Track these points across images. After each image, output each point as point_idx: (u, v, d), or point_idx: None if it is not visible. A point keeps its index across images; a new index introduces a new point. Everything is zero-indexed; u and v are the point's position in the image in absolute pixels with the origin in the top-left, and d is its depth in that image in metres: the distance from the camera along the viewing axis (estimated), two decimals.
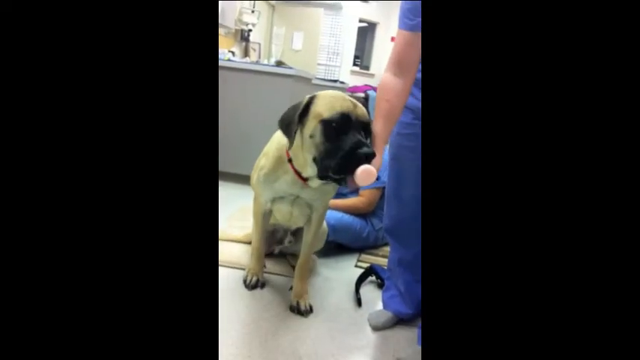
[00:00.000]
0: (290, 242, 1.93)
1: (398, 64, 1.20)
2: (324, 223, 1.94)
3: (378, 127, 1.20)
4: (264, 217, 1.73)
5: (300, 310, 1.61)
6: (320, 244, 1.97)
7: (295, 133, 1.30)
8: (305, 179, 1.42)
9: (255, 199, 1.70)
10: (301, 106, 1.28)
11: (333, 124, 1.20)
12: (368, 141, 1.20)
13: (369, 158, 1.12)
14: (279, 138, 1.47)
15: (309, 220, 1.66)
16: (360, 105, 1.28)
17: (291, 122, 1.28)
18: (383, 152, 1.20)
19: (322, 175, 1.26)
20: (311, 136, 1.26)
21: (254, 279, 1.77)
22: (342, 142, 1.18)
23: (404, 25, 1.17)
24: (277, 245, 1.99)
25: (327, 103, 1.24)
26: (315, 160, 1.27)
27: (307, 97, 1.30)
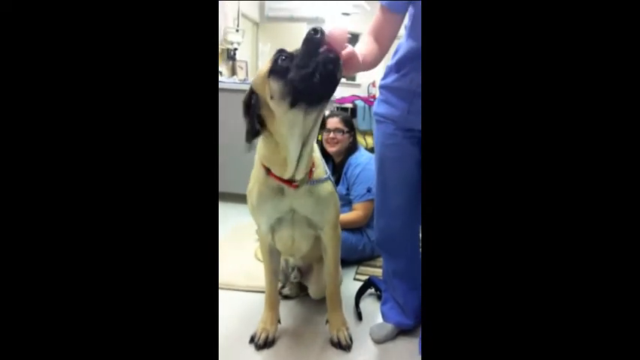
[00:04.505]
0: (295, 278, 1.81)
1: (374, 35, 1.29)
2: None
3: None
4: (271, 254, 1.57)
5: (342, 345, 1.53)
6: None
7: (257, 126, 1.21)
8: (291, 182, 1.32)
9: (259, 232, 1.56)
10: (246, 98, 1.23)
11: (279, 62, 1.14)
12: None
13: (320, 30, 1.06)
14: (256, 158, 1.40)
15: (325, 248, 1.54)
16: None
17: (249, 123, 1.23)
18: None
19: (314, 95, 1.13)
20: (272, 97, 1.16)
21: (262, 335, 1.54)
22: (296, 59, 1.11)
23: None
24: (288, 284, 1.88)
25: (262, 69, 1.19)
26: (294, 101, 1.13)
27: (245, 96, 1.24)
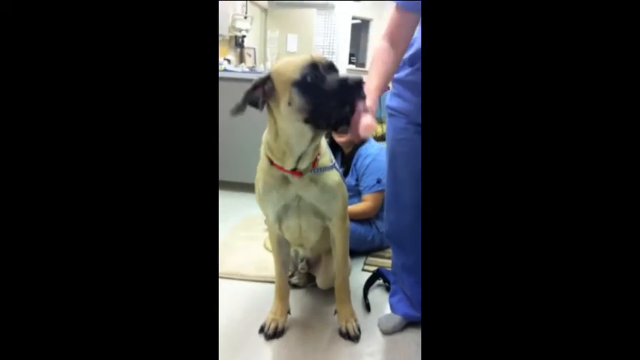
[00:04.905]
0: (303, 269, 1.83)
1: (390, 38, 1.26)
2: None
3: (373, 83, 1.19)
4: (280, 245, 1.60)
5: (350, 336, 1.55)
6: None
7: (263, 103, 1.23)
8: (294, 170, 1.33)
9: (267, 222, 1.58)
10: (259, 81, 1.22)
11: (308, 78, 1.14)
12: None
13: (360, 85, 1.09)
14: (262, 150, 1.42)
15: (333, 240, 1.55)
16: (314, 53, 1.24)
17: (244, 99, 1.22)
18: (377, 106, 1.18)
19: (328, 124, 1.16)
20: (290, 104, 1.17)
21: (272, 325, 1.57)
22: (327, 85, 1.13)
23: None
24: (297, 274, 1.89)
25: (288, 68, 1.18)
26: (308, 120, 1.17)
27: (258, 79, 1.23)
